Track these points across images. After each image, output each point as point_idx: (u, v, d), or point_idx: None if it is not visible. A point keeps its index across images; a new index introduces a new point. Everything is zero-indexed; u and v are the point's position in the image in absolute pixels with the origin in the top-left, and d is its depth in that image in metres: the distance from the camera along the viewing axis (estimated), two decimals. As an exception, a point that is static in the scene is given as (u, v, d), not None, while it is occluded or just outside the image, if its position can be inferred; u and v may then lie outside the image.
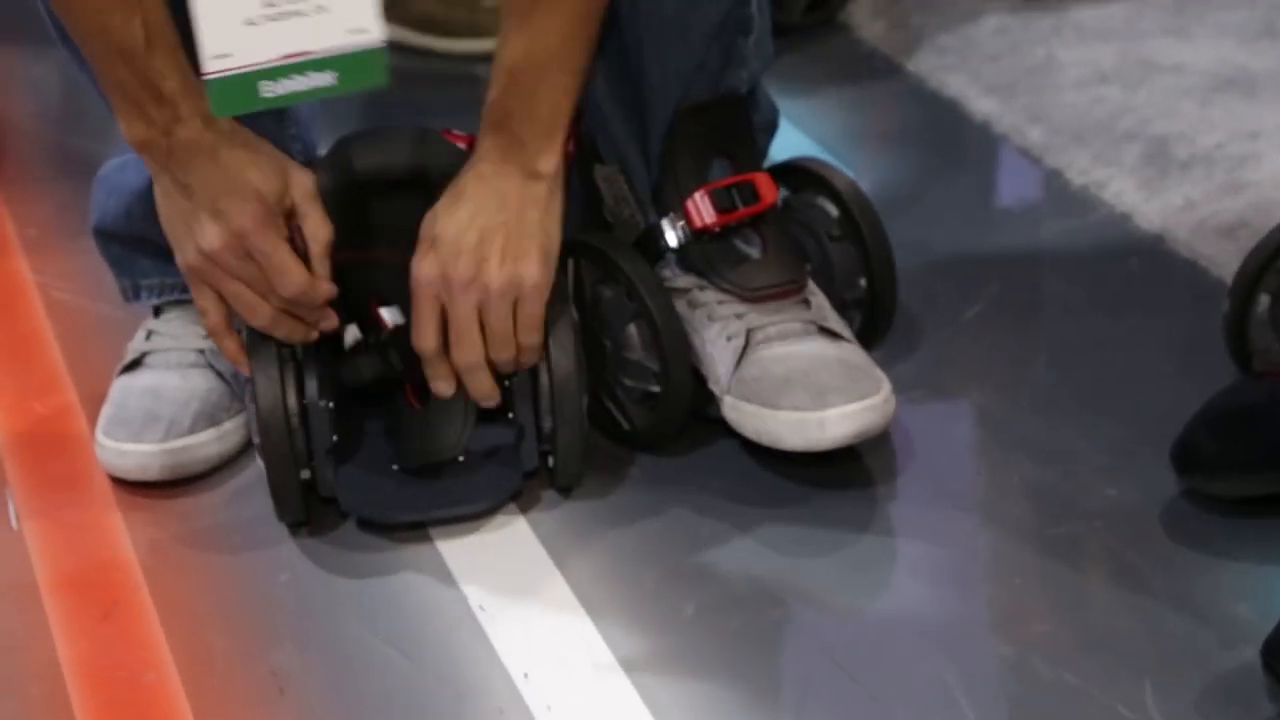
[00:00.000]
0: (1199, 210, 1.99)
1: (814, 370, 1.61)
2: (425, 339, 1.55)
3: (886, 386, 1.60)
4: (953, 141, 2.25)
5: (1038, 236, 2.07)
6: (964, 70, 2.36)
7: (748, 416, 1.62)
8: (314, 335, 1.57)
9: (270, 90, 1.43)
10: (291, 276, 1.52)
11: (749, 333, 1.65)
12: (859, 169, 2.10)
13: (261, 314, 1.53)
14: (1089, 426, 1.68)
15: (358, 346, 1.63)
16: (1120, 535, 1.54)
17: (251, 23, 1.41)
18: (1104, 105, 2.26)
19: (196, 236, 1.52)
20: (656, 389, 1.65)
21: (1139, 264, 1.94)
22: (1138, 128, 2.18)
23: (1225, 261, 1.80)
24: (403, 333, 1.59)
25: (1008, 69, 2.36)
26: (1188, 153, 2.11)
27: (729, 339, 1.66)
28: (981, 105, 2.27)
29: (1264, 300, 1.64)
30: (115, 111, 1.50)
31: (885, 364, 1.71)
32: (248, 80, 1.41)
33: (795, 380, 1.60)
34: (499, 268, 1.53)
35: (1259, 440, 1.51)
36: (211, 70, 1.39)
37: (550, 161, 1.56)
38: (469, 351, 1.56)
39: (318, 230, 1.54)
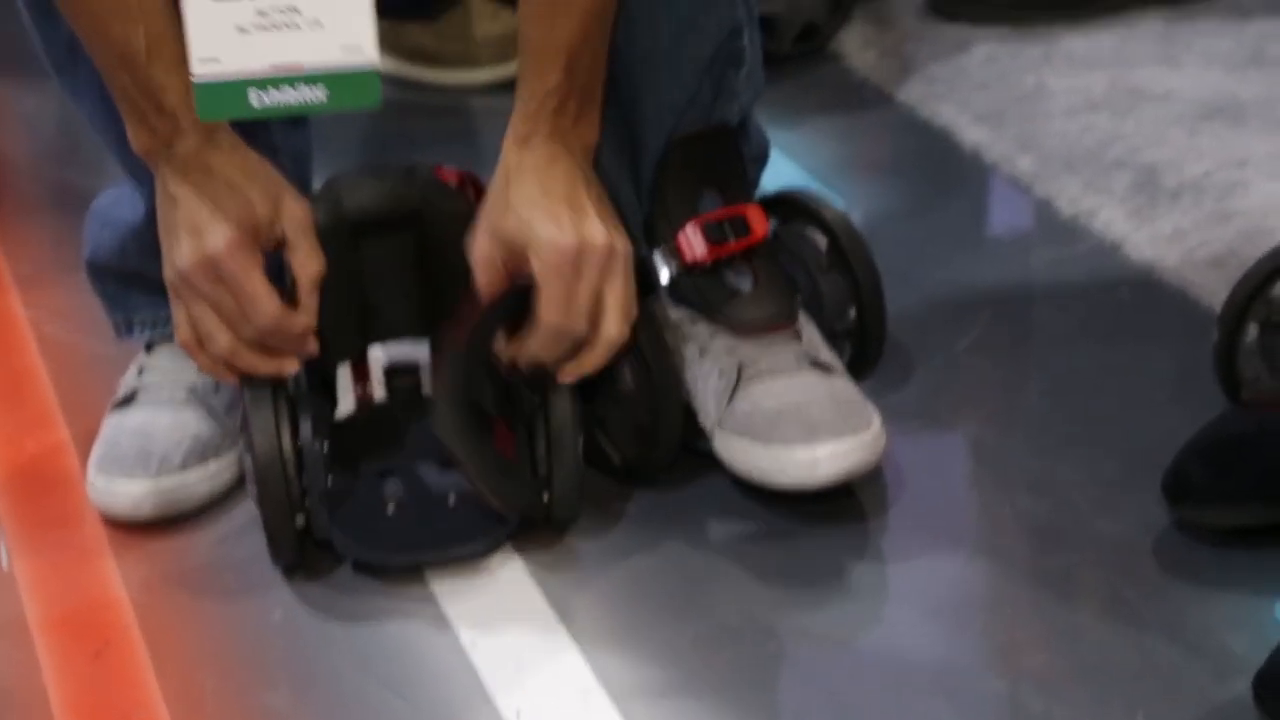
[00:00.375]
0: (1188, 239, 2.00)
1: (805, 406, 1.62)
2: (575, 319, 1.52)
3: (877, 421, 1.61)
4: (943, 170, 2.25)
5: (1028, 265, 2.08)
6: (954, 99, 2.37)
7: (738, 452, 1.62)
8: (287, 370, 1.56)
9: (259, 100, 1.42)
10: (261, 306, 1.51)
11: (740, 367, 1.65)
12: (850, 198, 2.12)
13: (219, 343, 1.52)
14: (1081, 457, 1.68)
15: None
16: (1112, 567, 1.54)
17: (243, 30, 1.40)
18: (1093, 133, 2.26)
19: (174, 252, 1.52)
20: (647, 423, 1.64)
21: (1129, 293, 1.94)
22: (1127, 156, 2.19)
23: (1214, 290, 1.80)
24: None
25: (997, 98, 2.37)
26: (1176, 181, 2.12)
27: (720, 374, 1.67)
28: (971, 134, 2.27)
29: (1253, 330, 1.64)
30: (123, 117, 1.51)
31: (876, 394, 1.72)
32: (236, 87, 1.41)
33: (787, 416, 1.60)
34: (616, 235, 1.54)
35: (1249, 470, 1.52)
36: (199, 73, 1.40)
37: (595, 129, 1.56)
38: (585, 324, 1.54)
39: (306, 263, 1.53)
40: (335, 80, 1.43)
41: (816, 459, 1.57)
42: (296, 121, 1.78)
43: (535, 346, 1.52)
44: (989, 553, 1.59)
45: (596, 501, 1.64)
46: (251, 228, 1.50)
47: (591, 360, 1.54)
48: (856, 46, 2.53)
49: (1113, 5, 2.57)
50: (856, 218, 1.95)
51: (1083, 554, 1.56)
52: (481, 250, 1.52)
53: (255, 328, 1.52)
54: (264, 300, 1.50)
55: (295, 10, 1.41)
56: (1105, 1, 2.56)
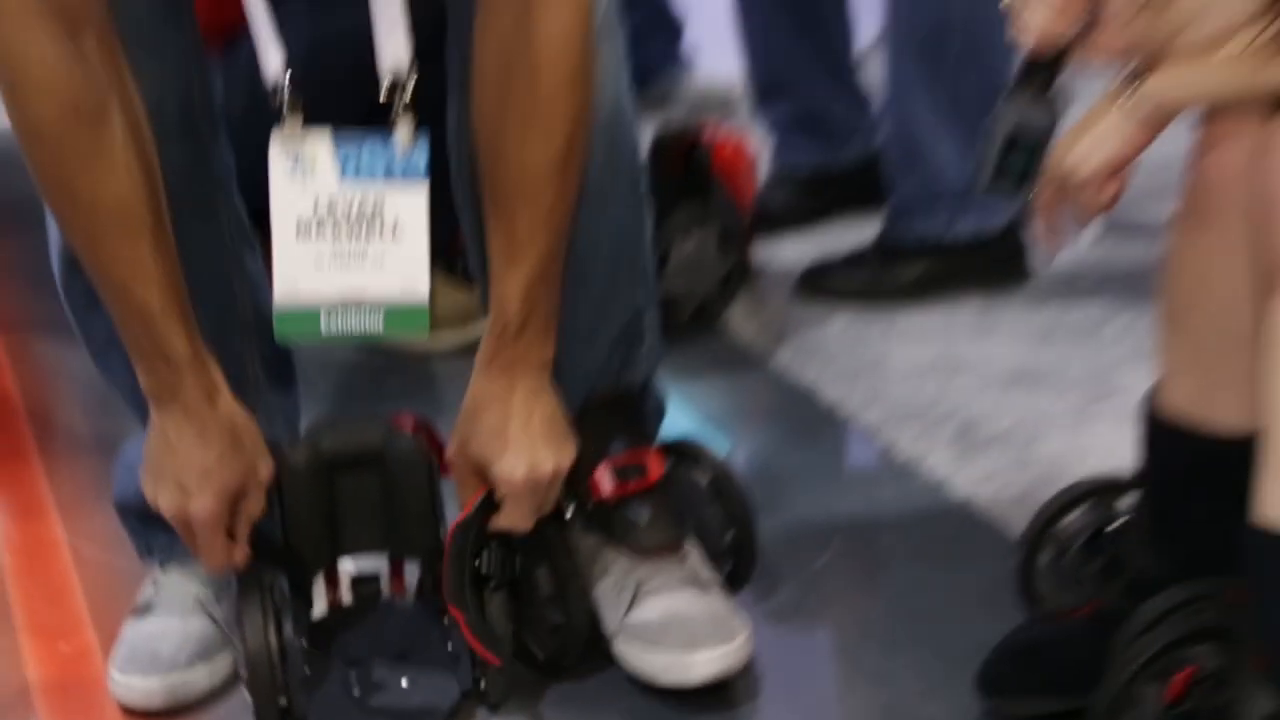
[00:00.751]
0: (996, 481, 2.08)
1: (686, 620, 1.66)
2: (529, 523, 1.57)
3: (745, 633, 1.67)
4: (807, 422, 2.30)
5: (872, 499, 2.10)
6: (816, 364, 2.43)
7: (632, 655, 1.68)
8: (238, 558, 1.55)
9: (326, 325, 1.46)
10: (211, 561, 1.54)
11: (637, 585, 1.71)
12: (734, 443, 2.20)
13: (194, 522, 1.50)
14: (914, 657, 1.73)
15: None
16: None
17: (319, 266, 1.44)
18: (924, 393, 2.34)
19: (159, 493, 1.51)
20: (562, 625, 1.66)
21: (951, 524, 2.01)
22: (950, 412, 2.28)
23: (1017, 523, 1.83)
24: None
25: (850, 364, 2.43)
26: (988, 433, 2.21)
27: (620, 590, 1.72)
28: (829, 392, 2.34)
29: (1045, 556, 1.70)
30: (134, 365, 1.51)
31: (750, 602, 1.81)
32: (310, 314, 1.44)
33: (671, 628, 1.66)
34: (562, 457, 1.57)
35: (1046, 668, 1.57)
36: (281, 302, 1.44)
37: (550, 349, 1.58)
38: (535, 518, 1.59)
39: (251, 508, 1.53)
40: (392, 312, 1.46)
41: (694, 663, 1.62)
42: (288, 386, 1.83)
43: (502, 523, 1.57)
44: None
45: (528, 686, 1.67)
46: (229, 496, 1.50)
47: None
48: (740, 321, 2.57)
49: (939, 291, 2.59)
50: (739, 457, 2.14)
51: None
52: (458, 467, 1.60)
53: (206, 562, 1.55)
54: (216, 555, 1.53)
55: (364, 254, 1.44)
56: (933, 289, 2.59)
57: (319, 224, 1.42)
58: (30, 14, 1.31)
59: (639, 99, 1.74)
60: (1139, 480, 1.60)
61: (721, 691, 1.65)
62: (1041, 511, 1.71)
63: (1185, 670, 1.39)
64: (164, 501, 1.51)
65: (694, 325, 2.52)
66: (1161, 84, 1.35)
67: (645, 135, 1.90)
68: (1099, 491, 1.71)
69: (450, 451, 1.61)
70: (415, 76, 1.48)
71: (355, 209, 1.43)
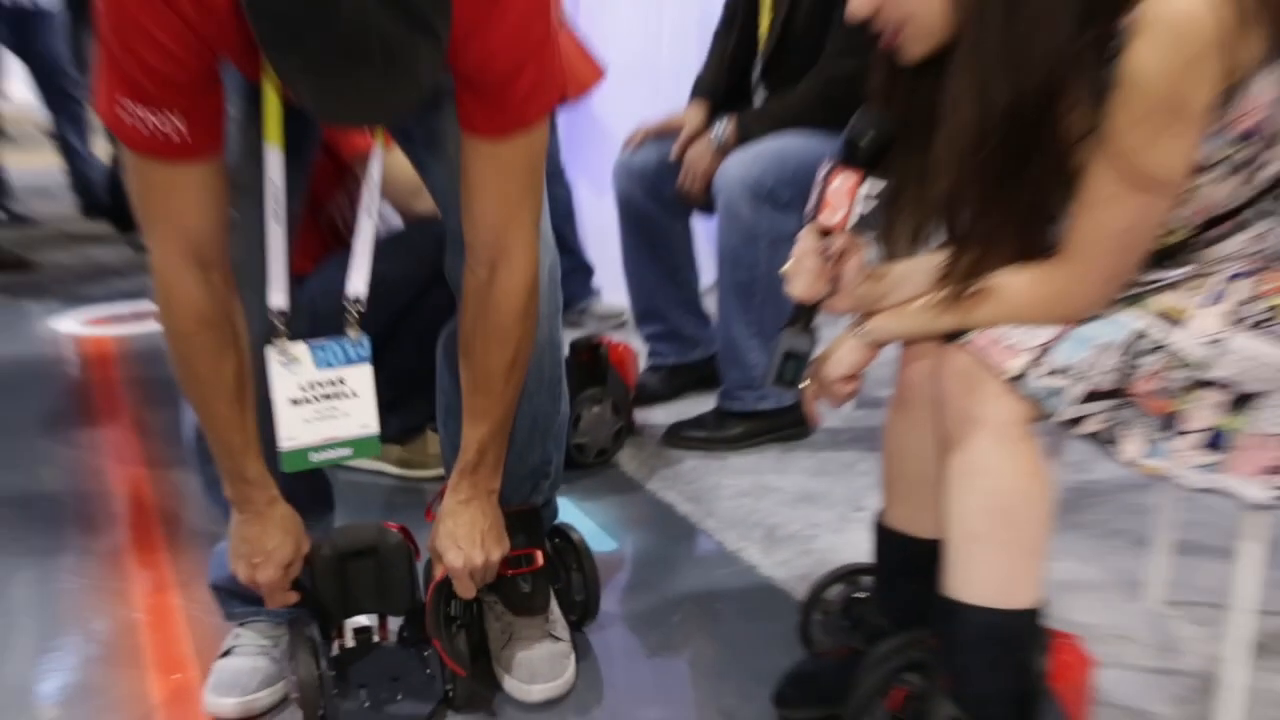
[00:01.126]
0: (788, 566, 2.07)
1: (535, 660, 1.68)
2: (470, 592, 1.60)
3: (569, 672, 1.70)
4: (668, 527, 2.27)
5: (709, 578, 2.06)
6: (674, 489, 2.41)
7: (499, 677, 1.70)
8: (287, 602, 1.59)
9: (315, 458, 1.47)
10: (273, 601, 1.57)
11: (511, 632, 1.72)
12: (618, 539, 2.20)
13: (261, 587, 1.56)
14: (734, 681, 1.73)
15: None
16: None
17: (307, 420, 1.45)
18: (743, 508, 2.30)
19: (238, 565, 1.54)
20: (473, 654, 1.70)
21: (759, 594, 1.99)
22: (760, 521, 2.24)
23: (800, 594, 1.86)
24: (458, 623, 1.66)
25: (696, 489, 2.40)
26: (783, 535, 2.18)
27: (502, 632, 1.72)
28: (683, 508, 2.33)
29: (817, 616, 1.72)
30: (223, 481, 1.52)
31: (623, 645, 1.87)
32: (302, 453, 1.45)
33: (523, 666, 1.68)
34: (494, 551, 1.59)
35: (817, 688, 1.60)
36: (285, 446, 1.45)
37: (493, 483, 1.60)
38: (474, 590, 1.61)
39: (294, 571, 1.56)
40: (356, 443, 1.48)
41: (531, 690, 1.66)
42: (327, 506, 1.82)
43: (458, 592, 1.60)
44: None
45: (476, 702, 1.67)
46: (283, 566, 1.54)
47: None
48: (626, 460, 2.56)
49: (752, 443, 2.58)
50: (623, 549, 2.16)
51: None
52: (432, 553, 1.61)
53: (271, 599, 1.57)
54: (276, 600, 1.57)
55: (335, 409, 1.46)
56: (749, 441, 2.58)
57: (305, 398, 1.43)
58: (179, 260, 1.35)
59: (563, 318, 1.74)
60: (874, 567, 1.62)
61: (554, 705, 1.67)
62: (815, 586, 1.73)
63: (901, 690, 1.41)
64: (241, 572, 1.54)
65: (596, 463, 2.51)
66: (878, 324, 1.40)
67: (567, 340, 1.90)
68: (851, 574, 1.71)
69: (430, 542, 1.61)
70: (363, 302, 1.47)
71: (327, 384, 1.44)
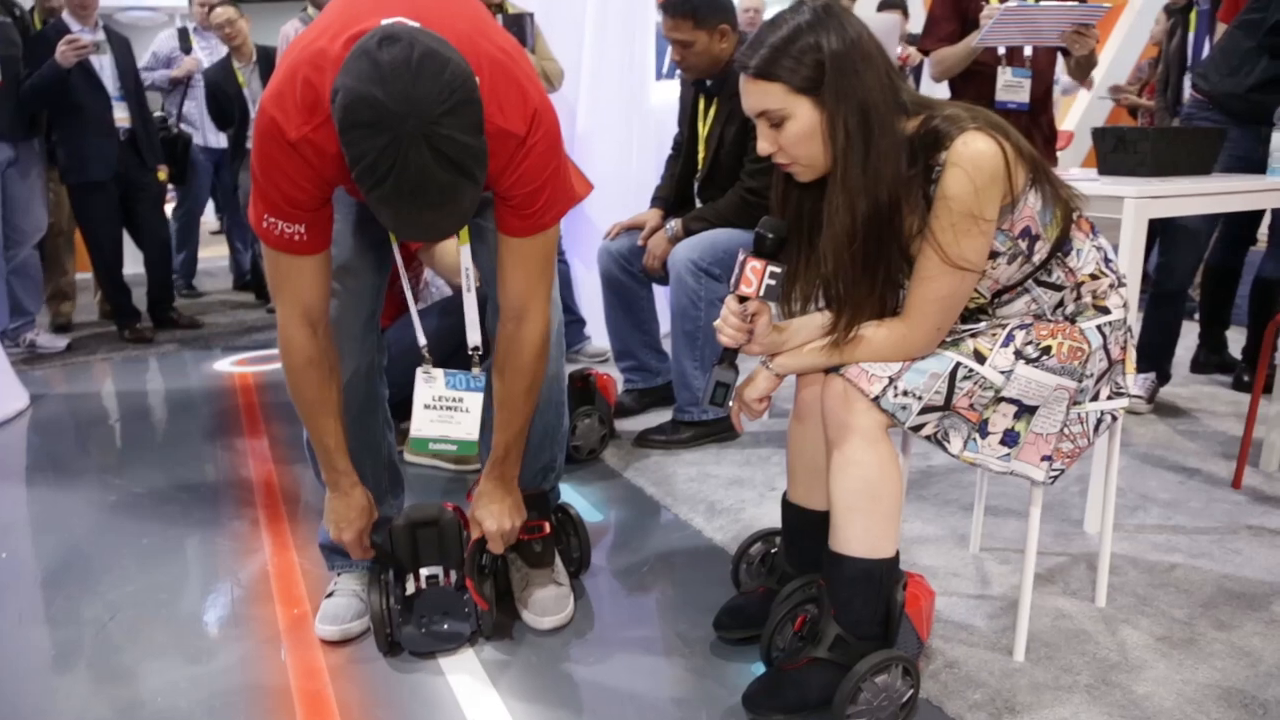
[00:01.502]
0: (724, 531, 2.03)
1: (544, 599, 1.67)
2: (501, 547, 1.59)
3: (569, 608, 1.68)
4: (639, 504, 2.21)
5: (669, 541, 2.00)
6: (643, 477, 2.34)
7: (521, 613, 1.68)
8: (364, 555, 1.58)
9: (432, 447, 1.52)
10: (354, 553, 1.58)
11: (526, 579, 1.70)
12: (602, 513, 2.15)
13: (345, 544, 1.56)
14: (684, 613, 1.70)
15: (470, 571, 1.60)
16: (691, 673, 1.58)
17: (432, 420, 1.51)
18: (692, 490, 2.25)
19: (331, 528, 1.55)
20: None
21: (703, 553, 1.95)
22: (704, 498, 2.19)
23: (732, 550, 1.84)
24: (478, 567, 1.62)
25: (658, 476, 2.34)
26: (720, 508, 2.14)
27: (520, 579, 1.70)
28: (649, 490, 2.26)
29: (744, 566, 1.71)
30: (320, 468, 1.53)
31: (606, 589, 1.81)
32: (424, 441, 1.50)
33: (536, 603, 1.66)
34: (516, 520, 1.58)
35: (744, 616, 1.58)
36: (414, 434, 1.51)
37: (515, 472, 1.58)
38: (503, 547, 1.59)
39: (367, 534, 1.56)
40: (461, 443, 1.50)
41: (543, 621, 1.64)
42: (401, 489, 1.76)
43: (489, 549, 1.59)
44: (634, 695, 1.52)
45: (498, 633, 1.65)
46: (360, 531, 1.55)
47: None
48: (609, 456, 2.48)
49: (697, 443, 2.53)
50: (604, 519, 2.09)
51: (675, 653, 1.61)
52: (473, 521, 1.58)
53: (354, 553, 1.58)
54: (355, 551, 1.57)
55: (452, 418, 1.51)
56: (694, 442, 2.53)
57: (434, 405, 1.46)
58: (295, 320, 1.37)
59: (564, 357, 1.73)
60: (782, 530, 1.60)
61: (559, 631, 1.65)
62: (742, 544, 1.72)
63: (802, 616, 1.42)
64: (334, 534, 1.56)
65: (588, 459, 2.46)
66: (781, 362, 1.39)
67: (567, 371, 1.86)
68: (768, 535, 1.70)
69: (470, 514, 1.59)
70: (481, 349, 1.52)
71: (451, 399, 1.46)
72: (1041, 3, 2.59)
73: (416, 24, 1.18)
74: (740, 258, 1.36)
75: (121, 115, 3.86)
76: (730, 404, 1.43)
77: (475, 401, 1.48)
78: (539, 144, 1.30)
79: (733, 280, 1.36)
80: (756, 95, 1.26)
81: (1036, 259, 1.33)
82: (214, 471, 2.51)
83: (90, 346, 3.98)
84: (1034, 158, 1.27)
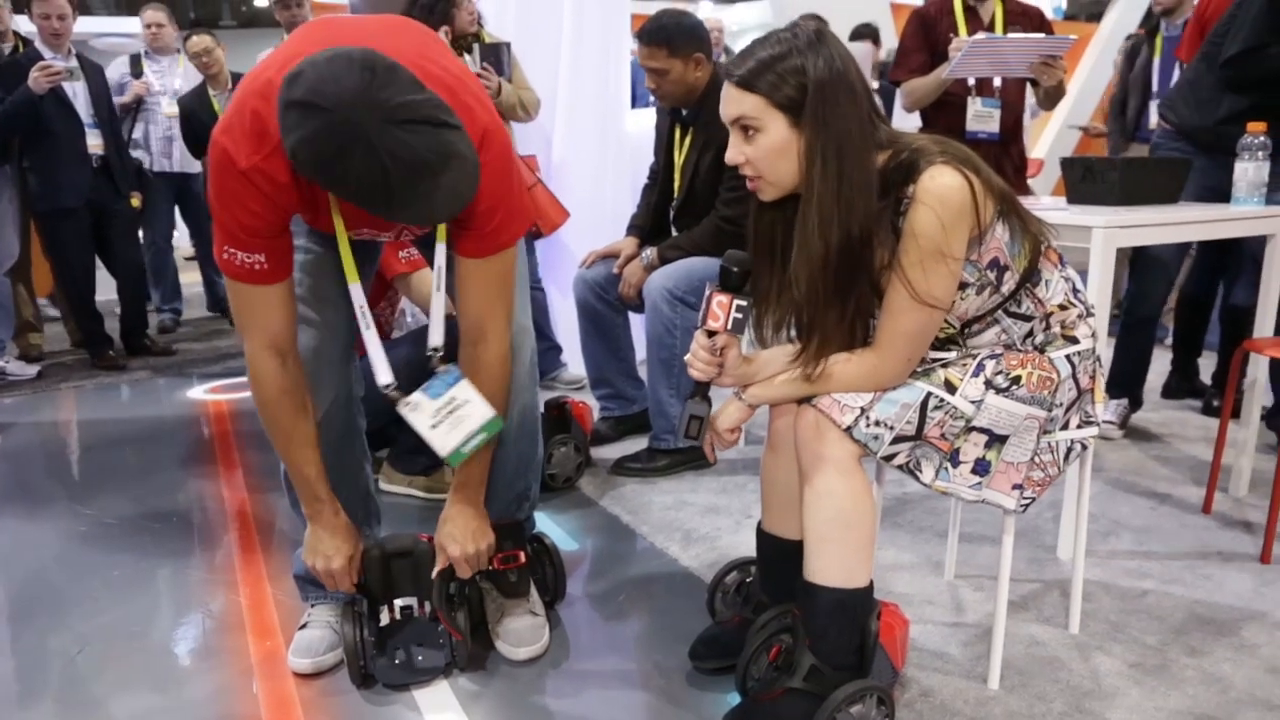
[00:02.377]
0: (700, 559, 2.03)
1: (520, 629, 1.66)
2: (468, 572, 1.56)
3: (545, 639, 1.67)
4: (614, 532, 2.19)
5: (646, 569, 1.99)
6: (619, 505, 2.33)
7: (496, 643, 1.67)
8: (344, 589, 1.55)
9: (465, 450, 1.41)
10: (335, 586, 1.54)
11: (501, 610, 1.68)
12: (579, 541, 2.14)
13: (334, 573, 1.53)
14: (661, 639, 1.70)
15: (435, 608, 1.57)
16: (660, 687, 1.59)
17: (447, 433, 1.40)
18: (668, 518, 2.25)
19: (310, 559, 1.53)
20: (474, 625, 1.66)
21: (679, 579, 1.95)
22: (679, 525, 2.20)
23: (708, 578, 1.82)
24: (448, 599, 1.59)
25: (635, 504, 2.33)
26: (696, 536, 2.14)
27: (497, 610, 1.69)
28: (625, 518, 2.25)
29: (720, 595, 1.70)
30: (300, 499, 1.51)
31: (583, 618, 1.80)
32: (456, 452, 1.40)
33: (512, 634, 1.66)
34: (482, 544, 1.56)
35: (719, 646, 1.57)
36: (443, 453, 1.40)
37: (480, 496, 1.57)
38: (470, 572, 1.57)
39: (355, 566, 1.54)
40: (484, 427, 1.41)
41: (518, 652, 1.64)
42: (377, 521, 1.75)
43: (458, 575, 1.55)
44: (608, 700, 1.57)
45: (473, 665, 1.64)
46: (348, 558, 1.52)
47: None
48: (585, 484, 2.46)
49: (674, 471, 2.53)
50: (580, 548, 2.08)
51: (651, 684, 1.60)
52: (438, 548, 1.56)
53: (341, 583, 1.54)
54: (337, 583, 1.54)
55: (459, 417, 1.41)
56: (671, 470, 2.53)
57: (435, 422, 1.40)
58: (262, 350, 1.37)
59: (540, 384, 1.73)
60: (758, 559, 1.60)
61: (534, 661, 1.64)
62: (718, 573, 1.72)
63: (777, 646, 1.41)
64: (320, 564, 1.52)
65: (563, 488, 2.45)
66: (754, 393, 1.40)
67: (543, 399, 1.88)
68: (743, 564, 1.70)
69: (435, 540, 1.57)
70: (441, 349, 1.45)
71: (446, 405, 1.41)
72: (1009, 35, 2.64)
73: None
74: (706, 292, 1.37)
75: (94, 142, 3.85)
76: (705, 436, 1.44)
77: (465, 389, 1.42)
78: (490, 163, 1.30)
79: (700, 315, 1.37)
80: (735, 102, 1.27)
81: (1005, 290, 1.35)
82: (186, 501, 2.48)
83: (61, 374, 3.94)
84: (1003, 191, 1.29)
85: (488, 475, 1.59)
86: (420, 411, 1.40)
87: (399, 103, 1.09)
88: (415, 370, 1.54)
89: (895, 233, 1.27)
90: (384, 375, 1.43)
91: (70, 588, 1.98)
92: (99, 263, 4.09)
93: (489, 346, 1.46)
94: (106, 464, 2.83)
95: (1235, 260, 2.84)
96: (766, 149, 1.27)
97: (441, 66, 1.30)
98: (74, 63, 3.82)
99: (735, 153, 1.31)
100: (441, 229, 1.43)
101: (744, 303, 1.35)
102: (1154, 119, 3.67)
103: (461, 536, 1.55)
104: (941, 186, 1.22)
